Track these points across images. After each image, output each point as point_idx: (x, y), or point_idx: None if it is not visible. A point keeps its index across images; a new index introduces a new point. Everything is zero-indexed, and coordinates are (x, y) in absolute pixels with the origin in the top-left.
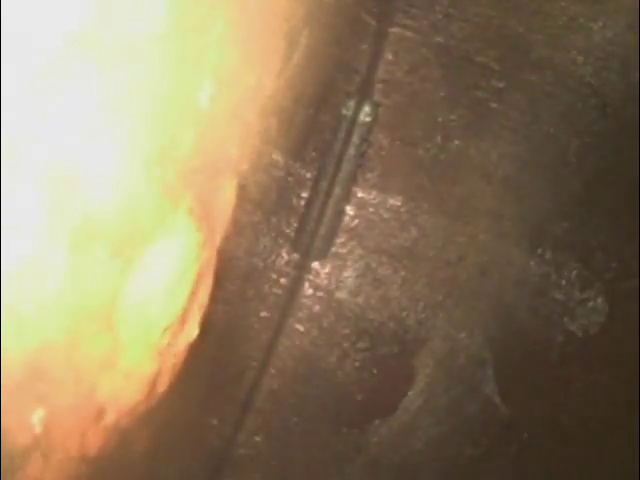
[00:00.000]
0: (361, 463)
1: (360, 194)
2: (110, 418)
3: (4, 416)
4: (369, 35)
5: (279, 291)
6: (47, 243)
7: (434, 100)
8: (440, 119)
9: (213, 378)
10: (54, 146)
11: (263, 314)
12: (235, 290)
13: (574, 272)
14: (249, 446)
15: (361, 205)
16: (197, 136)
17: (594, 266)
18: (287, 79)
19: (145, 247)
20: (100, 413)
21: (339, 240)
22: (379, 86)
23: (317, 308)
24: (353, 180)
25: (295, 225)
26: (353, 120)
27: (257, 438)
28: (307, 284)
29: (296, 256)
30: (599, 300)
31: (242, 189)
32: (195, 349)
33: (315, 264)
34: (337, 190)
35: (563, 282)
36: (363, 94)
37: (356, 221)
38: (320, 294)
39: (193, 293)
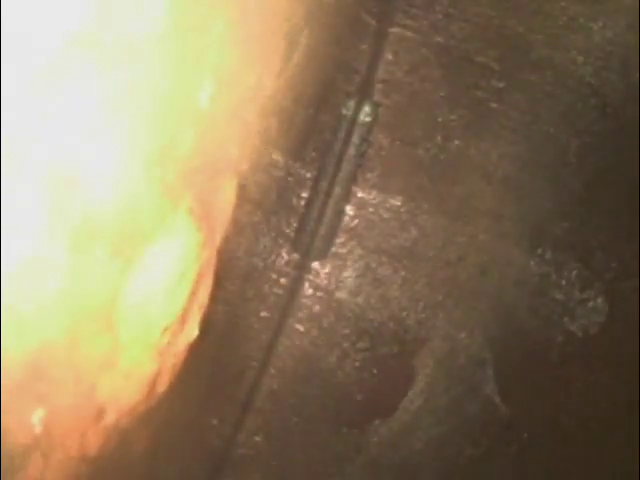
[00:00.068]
0: (361, 463)
1: (360, 194)
2: (110, 418)
3: (4, 416)
4: (369, 35)
5: (279, 291)
6: (47, 243)
7: (434, 100)
8: (440, 119)
9: (213, 378)
10: (54, 146)
11: (263, 314)
12: (235, 290)
13: (574, 272)
14: (249, 446)
15: (361, 205)
16: (197, 136)
17: (594, 266)
18: (287, 79)
19: (145, 247)
20: (100, 413)
21: (339, 240)
22: (379, 86)
23: (317, 308)
24: (353, 180)
25: (295, 225)
26: (353, 120)
27: (257, 438)
28: (307, 284)
29: (296, 256)
30: (599, 300)
31: (242, 189)
32: (195, 349)
33: (315, 264)
34: (337, 190)
35: (563, 282)
36: (363, 94)
37: (356, 221)
38: (320, 294)
39: (193, 293)
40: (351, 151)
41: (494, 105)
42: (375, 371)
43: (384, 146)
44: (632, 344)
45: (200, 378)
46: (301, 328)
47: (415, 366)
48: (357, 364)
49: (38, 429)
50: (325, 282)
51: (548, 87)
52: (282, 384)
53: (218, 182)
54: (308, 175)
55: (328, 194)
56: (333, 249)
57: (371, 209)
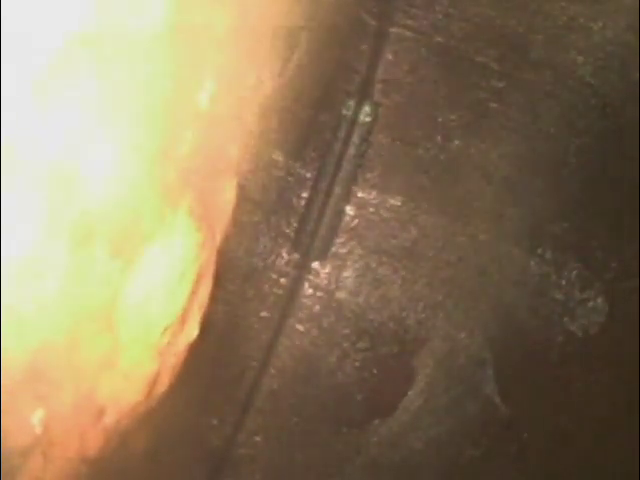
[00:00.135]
0: (361, 463)
1: (360, 194)
2: (110, 418)
3: (4, 416)
4: (369, 35)
5: (279, 291)
6: (47, 243)
7: (434, 100)
8: (440, 119)
9: (213, 378)
10: (54, 146)
11: (263, 314)
12: (235, 290)
13: (574, 272)
14: (249, 446)
15: (361, 205)
16: (197, 136)
17: (594, 266)
18: (287, 79)
19: (145, 247)
20: (100, 413)
21: (339, 240)
22: (379, 86)
23: (317, 308)
24: (353, 180)
25: (295, 225)
26: (353, 120)
27: (257, 438)
28: (307, 284)
29: (296, 256)
30: (599, 300)
31: (242, 189)
32: (195, 349)
33: (315, 264)
34: (337, 190)
35: (563, 282)
36: (363, 94)
37: (356, 221)
38: (320, 294)
39: (193, 293)
40: (351, 151)
41: (494, 105)
42: (375, 371)
43: (384, 146)
44: (632, 344)
45: (200, 378)
46: (301, 328)
47: (415, 366)
48: (357, 364)
49: (38, 429)
50: (325, 282)
51: (548, 87)
52: (282, 384)
53: (218, 182)
54: (308, 175)
55: (328, 194)
56: (333, 249)
57: (371, 209)
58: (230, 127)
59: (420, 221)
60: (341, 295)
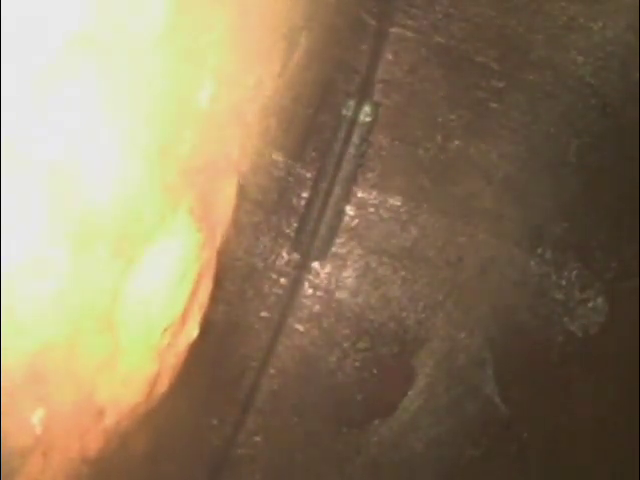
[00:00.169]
0: (361, 463)
1: (360, 194)
2: (110, 419)
3: (4, 417)
4: (369, 35)
5: (279, 291)
6: (47, 243)
7: (434, 100)
8: (440, 119)
9: (213, 378)
10: (54, 146)
11: (263, 314)
12: (235, 290)
13: (574, 272)
14: (249, 446)
15: (361, 205)
16: (197, 136)
17: (594, 266)
18: (287, 79)
19: (145, 247)
20: (100, 414)
21: (339, 240)
22: (379, 86)
23: (317, 308)
24: (353, 180)
25: (295, 225)
26: (353, 120)
27: (257, 438)
28: (307, 284)
29: (296, 256)
30: (599, 300)
31: (242, 189)
32: (195, 349)
33: (315, 264)
34: (337, 190)
35: (563, 282)
36: (363, 94)
37: (356, 221)
38: (320, 294)
39: (193, 293)
40: (351, 151)
41: (494, 105)
42: (375, 371)
43: (384, 146)
44: (632, 344)
45: (200, 378)
46: (301, 328)
47: (415, 366)
48: (357, 364)
49: (38, 430)
50: (325, 282)
51: (548, 87)
52: (282, 384)
53: (218, 182)
54: (308, 175)
55: (328, 194)
56: (333, 249)
57: (371, 209)
58: (230, 127)
59: (420, 221)
60: (341, 295)
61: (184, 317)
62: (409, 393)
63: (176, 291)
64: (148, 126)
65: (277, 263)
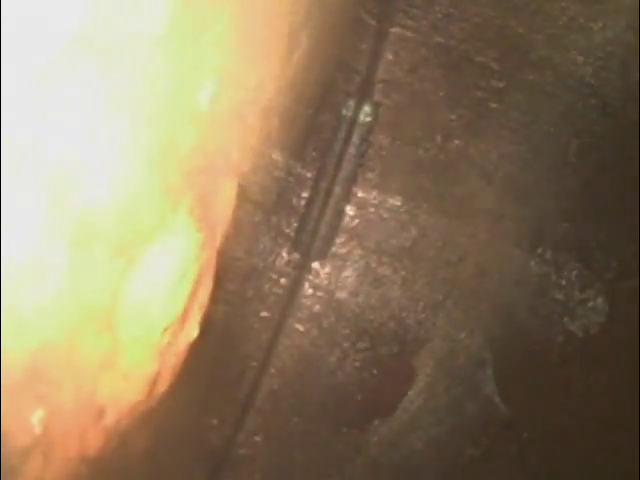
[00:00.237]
0: (361, 463)
1: (360, 194)
2: (110, 418)
3: (4, 417)
4: (369, 35)
5: (279, 291)
6: (47, 243)
7: (434, 100)
8: (440, 119)
9: (213, 378)
10: (54, 146)
11: (263, 314)
12: (235, 290)
13: (574, 272)
14: (249, 446)
15: (361, 205)
16: (197, 136)
17: (594, 266)
18: (287, 79)
19: (145, 247)
20: (100, 413)
21: (339, 240)
22: (379, 86)
23: (317, 308)
24: (353, 180)
25: (295, 225)
26: (353, 120)
27: (257, 438)
28: (307, 284)
29: (296, 256)
30: (599, 300)
31: (242, 189)
32: (195, 349)
33: (315, 264)
34: (337, 190)
35: (563, 282)
36: (363, 94)
37: (356, 221)
38: (320, 294)
39: (193, 293)
40: (351, 151)
41: (494, 105)
42: (375, 371)
43: (384, 146)
44: (632, 344)
45: (200, 378)
46: (301, 328)
47: (415, 366)
48: (357, 364)
49: (38, 430)
50: (325, 282)
51: (548, 87)
52: (282, 384)
53: (218, 182)
54: (308, 175)
55: (328, 194)
56: (333, 249)
57: (371, 209)
58: (230, 127)
59: (420, 221)
60: (341, 295)
61: (184, 317)
62: (409, 393)
63: (176, 291)
64: (148, 126)
65: (277, 263)
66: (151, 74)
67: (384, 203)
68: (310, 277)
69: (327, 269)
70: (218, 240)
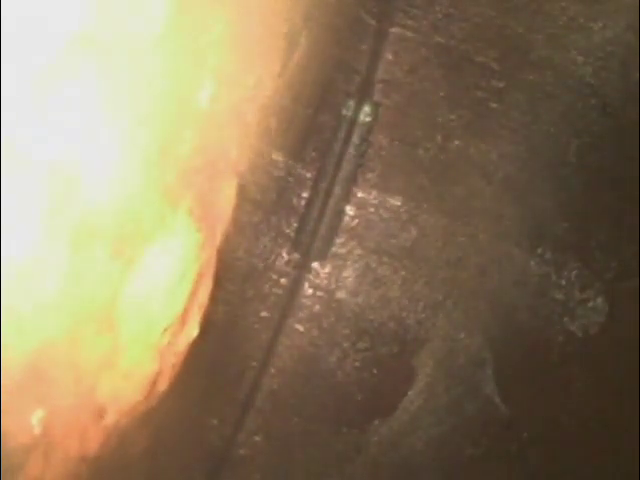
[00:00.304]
0: (361, 463)
1: (360, 194)
2: (110, 418)
3: (4, 416)
4: (369, 35)
5: (279, 291)
6: (47, 243)
7: (434, 100)
8: (440, 119)
9: (213, 378)
10: (54, 146)
11: (263, 314)
12: (235, 290)
13: (574, 272)
14: (249, 446)
15: (361, 205)
16: (197, 136)
17: (594, 266)
18: (287, 79)
19: (145, 247)
20: (100, 413)
21: (339, 240)
22: (379, 86)
23: (317, 308)
24: (353, 180)
25: (295, 225)
26: (353, 120)
27: (257, 438)
28: (307, 284)
29: (296, 256)
30: (599, 300)
31: (242, 189)
32: (195, 349)
33: (315, 264)
34: (337, 190)
35: (563, 282)
36: (363, 94)
37: (356, 221)
38: (320, 294)
39: (193, 293)
40: (351, 151)
41: (494, 105)
42: (375, 371)
43: (384, 146)
44: (632, 344)
45: (200, 378)
46: (301, 328)
47: (415, 366)
48: (357, 364)
49: (38, 429)
50: (325, 282)
51: (548, 87)
52: (282, 384)
53: (218, 182)
54: (308, 175)
55: (328, 194)
56: (333, 249)
57: (371, 209)
58: (230, 127)
59: (420, 221)
60: (341, 295)
61: (184, 317)
62: (409, 393)
63: (176, 291)
64: (148, 126)
65: (277, 263)
66: (151, 74)
67: (384, 203)
68: (310, 277)
69: (327, 269)
70: (218, 240)
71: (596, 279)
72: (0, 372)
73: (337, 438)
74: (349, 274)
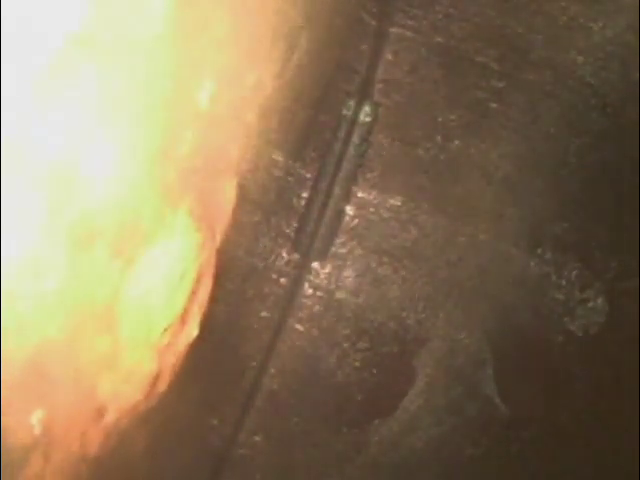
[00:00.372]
0: (361, 463)
1: (360, 194)
2: (110, 418)
3: (4, 416)
4: (369, 35)
5: (279, 291)
6: (47, 243)
7: (434, 100)
8: (440, 119)
9: (213, 378)
10: (54, 146)
11: (263, 314)
12: (235, 290)
13: (574, 272)
14: (249, 446)
15: (361, 205)
16: (197, 136)
17: (594, 266)
18: (287, 79)
19: (145, 247)
20: (100, 413)
21: (339, 240)
22: (379, 86)
23: (317, 308)
24: (353, 180)
25: (295, 225)
26: (353, 120)
27: (257, 438)
28: (307, 284)
29: (296, 256)
30: (599, 300)
31: (242, 189)
32: (195, 349)
33: (315, 264)
34: (337, 190)
35: (563, 282)
36: (363, 94)
37: (356, 221)
38: (320, 294)
39: (193, 293)
40: (351, 151)
41: (494, 105)
42: (375, 371)
43: (384, 146)
44: (632, 344)
45: (200, 378)
46: (301, 328)
47: (415, 366)
48: (357, 364)
49: (38, 429)
50: (325, 282)
51: (548, 87)
52: (282, 384)
53: (218, 182)
54: (308, 175)
55: (328, 194)
56: (333, 249)
57: (371, 209)
58: (230, 127)
59: (420, 221)
60: (341, 295)
61: (184, 317)
62: (409, 393)
63: (176, 291)
64: (148, 126)
65: (277, 263)
66: (151, 74)
67: (384, 203)
68: (310, 277)
69: (327, 269)
70: (218, 240)
71: (596, 279)
72: (0, 372)
73: (337, 438)
74: (349, 274)
